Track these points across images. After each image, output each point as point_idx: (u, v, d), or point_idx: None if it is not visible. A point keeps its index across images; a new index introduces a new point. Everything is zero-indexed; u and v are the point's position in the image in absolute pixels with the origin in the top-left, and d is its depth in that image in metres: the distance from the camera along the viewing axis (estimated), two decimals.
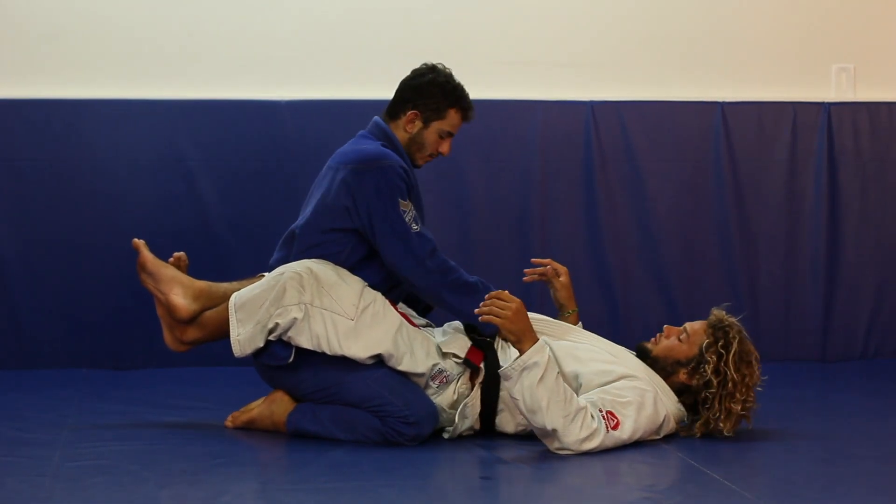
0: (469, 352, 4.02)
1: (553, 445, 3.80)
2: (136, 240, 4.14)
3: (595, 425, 3.79)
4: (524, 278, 4.39)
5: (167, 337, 4.13)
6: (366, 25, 5.43)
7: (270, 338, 3.93)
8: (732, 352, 3.96)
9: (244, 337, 3.94)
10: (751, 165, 5.59)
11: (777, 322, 5.62)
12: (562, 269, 4.35)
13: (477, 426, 4.03)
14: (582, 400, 3.82)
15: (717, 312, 4.06)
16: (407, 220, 4.01)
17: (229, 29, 5.36)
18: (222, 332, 4.03)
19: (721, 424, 3.95)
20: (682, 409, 4.02)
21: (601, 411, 3.82)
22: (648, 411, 3.90)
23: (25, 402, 4.51)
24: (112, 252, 5.22)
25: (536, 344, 3.78)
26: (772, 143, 5.60)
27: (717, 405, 3.95)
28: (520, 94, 5.45)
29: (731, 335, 3.98)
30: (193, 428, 4.12)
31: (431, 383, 3.99)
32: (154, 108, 5.25)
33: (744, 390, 3.94)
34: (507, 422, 4.02)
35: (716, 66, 5.63)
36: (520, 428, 4.00)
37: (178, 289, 4.07)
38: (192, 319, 4.08)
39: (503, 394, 3.99)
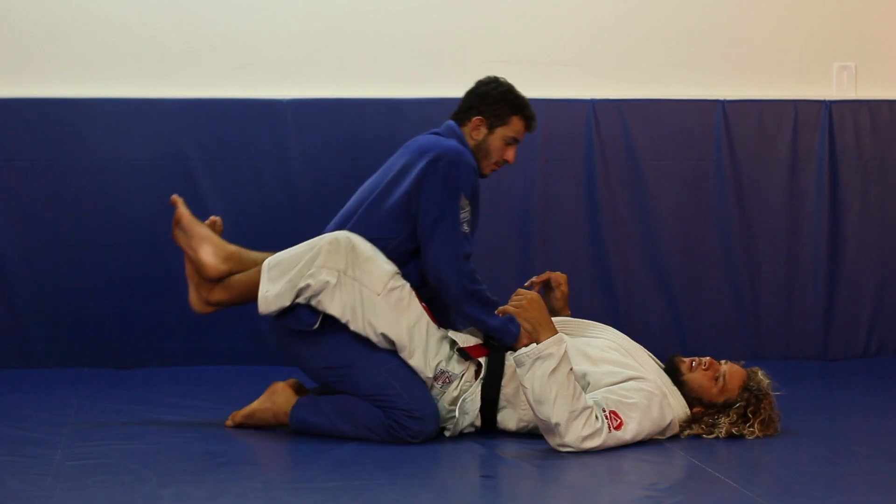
0: (472, 347, 4.02)
1: (554, 441, 3.80)
2: (174, 196, 4.15)
3: (598, 425, 3.79)
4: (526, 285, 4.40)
5: (192, 297, 4.14)
6: (366, 24, 5.43)
7: (299, 300, 3.94)
8: (760, 419, 3.99)
9: (272, 294, 3.95)
10: (752, 163, 5.59)
11: (778, 320, 5.62)
12: (563, 277, 4.39)
13: (478, 422, 4.03)
14: (589, 399, 3.83)
15: (761, 378, 4.04)
16: (462, 216, 4.08)
17: (230, 28, 5.35)
18: (249, 296, 4.05)
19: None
20: (689, 412, 4.03)
21: (605, 411, 3.83)
22: (654, 414, 3.91)
23: (26, 401, 4.51)
24: (112, 251, 5.22)
25: (555, 336, 3.80)
26: (773, 141, 5.60)
27: (723, 433, 4.00)
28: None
29: (762, 404, 4.01)
30: (194, 427, 4.11)
31: (435, 384, 4.00)
32: (154, 107, 5.24)
33: (758, 435, 4.01)
34: (508, 418, 4.02)
35: (717, 64, 5.63)
36: (521, 424, 4.00)
37: (208, 247, 4.08)
38: (219, 280, 4.08)
39: (505, 390, 4.00)
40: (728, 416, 3.99)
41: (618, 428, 3.83)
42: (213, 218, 4.19)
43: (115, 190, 5.23)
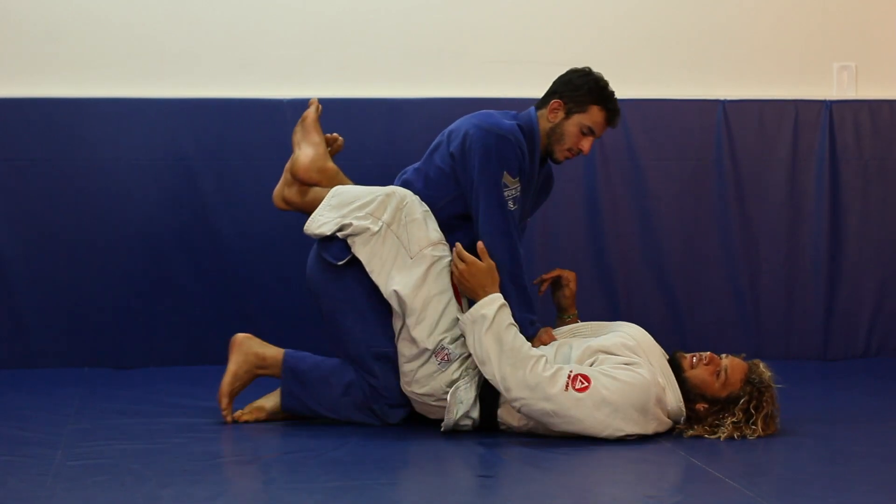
0: None
1: (509, 398, 3.86)
2: (314, 98, 4.38)
3: (546, 374, 3.81)
4: (541, 288, 4.43)
5: (277, 189, 4.34)
6: (366, 25, 5.43)
7: (339, 234, 4.05)
8: (762, 414, 3.97)
9: (321, 221, 4.10)
10: (752, 163, 5.59)
11: (778, 320, 5.62)
12: (571, 275, 4.42)
13: (475, 415, 4.03)
14: (535, 351, 3.87)
15: (763, 370, 4.02)
16: (507, 193, 4.12)
17: (230, 28, 5.35)
18: (313, 209, 4.20)
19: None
20: (684, 410, 4.00)
21: (571, 373, 3.83)
22: (635, 398, 3.87)
23: (26, 401, 4.51)
24: (113, 251, 5.22)
25: (487, 297, 3.92)
26: (773, 141, 5.60)
27: (725, 435, 3.97)
28: (521, 93, 5.43)
29: (765, 397, 3.98)
30: (194, 428, 4.11)
31: (434, 358, 4.01)
32: (155, 106, 5.25)
33: (761, 434, 3.97)
34: (511, 413, 4.00)
35: (717, 64, 5.63)
36: (523, 421, 3.98)
37: (311, 152, 4.29)
38: (305, 184, 4.27)
39: None
40: (733, 415, 3.97)
41: (580, 390, 3.82)
42: (335, 135, 4.38)
43: (115, 190, 5.23)
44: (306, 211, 4.24)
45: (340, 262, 4.07)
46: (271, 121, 5.31)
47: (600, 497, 3.45)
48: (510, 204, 4.13)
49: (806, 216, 5.62)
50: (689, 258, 5.58)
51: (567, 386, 3.82)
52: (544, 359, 3.87)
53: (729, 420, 3.97)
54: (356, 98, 5.37)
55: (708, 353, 4.06)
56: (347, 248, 4.06)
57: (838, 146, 5.61)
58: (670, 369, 4.01)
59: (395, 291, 3.99)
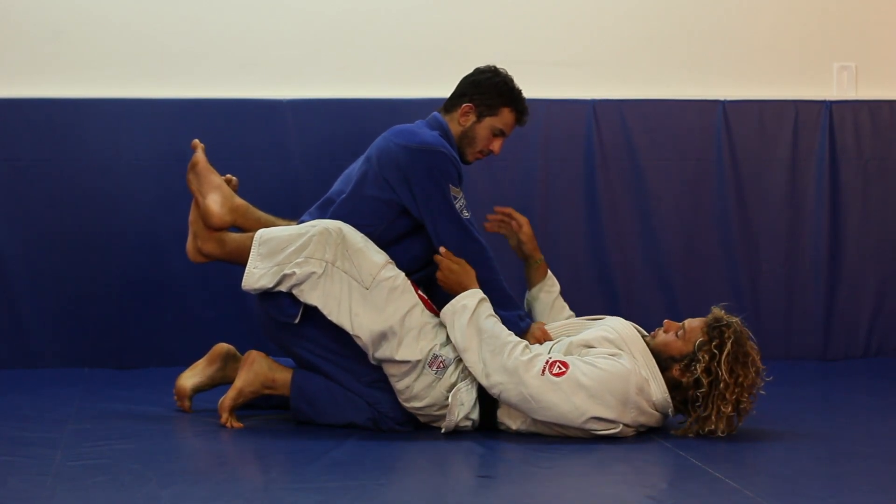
0: None
1: (487, 384, 3.90)
2: (195, 140, 4.24)
3: (523, 359, 3.85)
4: (486, 225, 4.45)
5: (189, 244, 4.20)
6: (367, 25, 5.43)
7: (281, 287, 3.97)
8: (726, 352, 3.90)
9: (258, 273, 3.99)
10: (752, 164, 5.59)
11: (778, 320, 5.62)
12: (523, 219, 4.42)
13: (475, 416, 4.03)
14: (515, 338, 3.93)
15: (717, 311, 4.01)
16: (458, 206, 4.10)
17: (231, 28, 5.35)
18: (239, 258, 4.09)
19: (712, 426, 3.91)
20: (669, 400, 3.98)
21: (549, 359, 3.86)
22: (616, 386, 3.87)
23: (26, 401, 4.51)
24: (113, 251, 5.22)
25: (468, 290, 3.97)
26: (773, 141, 5.60)
27: (707, 405, 3.91)
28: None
29: (726, 335, 3.93)
30: (194, 427, 4.11)
31: (429, 369, 4.00)
32: (155, 107, 5.25)
33: (736, 391, 3.89)
34: (510, 414, 4.00)
35: (717, 64, 5.63)
36: (522, 424, 3.99)
37: (217, 196, 4.16)
38: (221, 230, 4.15)
39: None
40: (700, 360, 3.89)
41: (557, 375, 3.84)
42: (228, 175, 4.27)
43: (115, 190, 5.23)
44: (230, 262, 4.16)
45: (296, 321, 4.02)
46: (271, 121, 5.31)
47: (600, 497, 3.45)
48: (464, 213, 4.11)
49: (806, 216, 5.62)
50: (689, 258, 5.58)
51: (544, 370, 3.86)
52: (523, 344, 3.93)
53: (700, 370, 3.89)
54: (356, 98, 5.37)
55: (665, 321, 4.07)
56: (296, 300, 4.00)
57: (838, 146, 5.61)
58: (654, 361, 3.99)
59: (368, 328, 3.94)
